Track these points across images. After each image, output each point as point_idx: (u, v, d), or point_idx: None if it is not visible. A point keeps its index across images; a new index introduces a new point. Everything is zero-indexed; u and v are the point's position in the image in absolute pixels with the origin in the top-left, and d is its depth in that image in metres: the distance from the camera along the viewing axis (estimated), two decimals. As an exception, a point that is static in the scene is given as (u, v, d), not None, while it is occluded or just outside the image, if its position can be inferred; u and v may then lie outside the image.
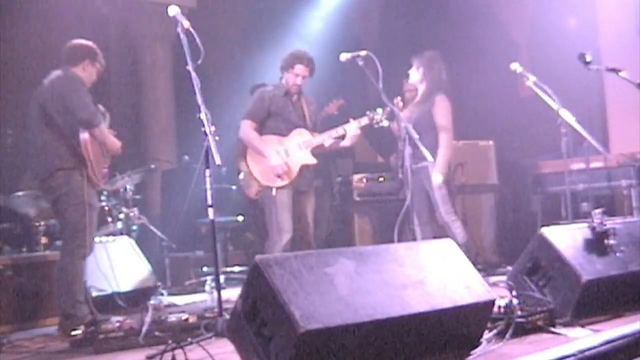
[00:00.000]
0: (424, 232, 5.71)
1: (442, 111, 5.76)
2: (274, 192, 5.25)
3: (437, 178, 5.59)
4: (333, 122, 5.72)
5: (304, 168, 5.36)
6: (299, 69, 5.34)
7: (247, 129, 5.38)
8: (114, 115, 5.08)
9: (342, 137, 5.38)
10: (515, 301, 3.29)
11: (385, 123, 5.32)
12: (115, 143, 4.69)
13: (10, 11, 7.53)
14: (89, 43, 4.75)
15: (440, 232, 5.72)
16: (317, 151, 5.48)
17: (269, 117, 5.42)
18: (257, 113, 5.41)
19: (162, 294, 5.93)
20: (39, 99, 4.53)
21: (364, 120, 5.31)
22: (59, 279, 4.44)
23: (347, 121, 5.38)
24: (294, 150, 5.35)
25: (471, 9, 8.36)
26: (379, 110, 5.27)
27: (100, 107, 4.76)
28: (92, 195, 4.54)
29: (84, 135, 4.42)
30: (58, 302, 4.50)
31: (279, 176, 5.24)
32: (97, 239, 4.80)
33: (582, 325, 3.37)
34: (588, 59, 5.03)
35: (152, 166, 6.97)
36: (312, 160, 5.36)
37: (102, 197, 6.02)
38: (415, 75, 5.94)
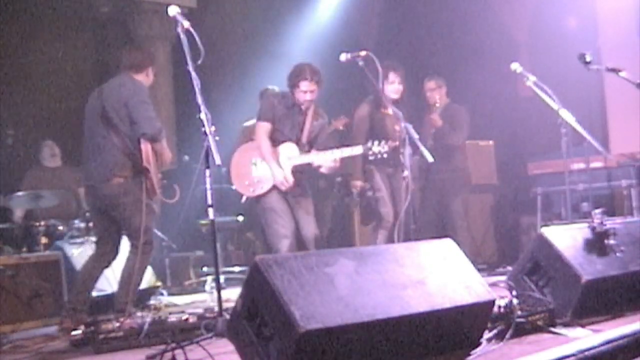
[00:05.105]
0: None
1: None
2: (259, 200, 5.12)
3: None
4: (338, 137, 5.65)
5: None
6: (304, 85, 5.04)
7: (262, 134, 5.16)
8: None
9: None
10: (515, 301, 3.29)
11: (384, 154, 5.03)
12: (169, 155, 4.73)
13: (10, 11, 7.52)
14: (149, 49, 4.82)
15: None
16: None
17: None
18: (268, 114, 5.18)
19: (162, 294, 5.93)
20: (103, 104, 4.48)
21: (357, 150, 5.08)
22: (126, 277, 4.51)
23: (346, 145, 5.20)
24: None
25: (471, 9, 8.36)
26: (376, 143, 5.01)
27: None
28: (152, 201, 4.65)
29: (147, 147, 4.44)
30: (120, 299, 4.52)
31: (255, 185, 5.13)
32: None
33: (582, 325, 3.36)
34: (588, 59, 5.04)
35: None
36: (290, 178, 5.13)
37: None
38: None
